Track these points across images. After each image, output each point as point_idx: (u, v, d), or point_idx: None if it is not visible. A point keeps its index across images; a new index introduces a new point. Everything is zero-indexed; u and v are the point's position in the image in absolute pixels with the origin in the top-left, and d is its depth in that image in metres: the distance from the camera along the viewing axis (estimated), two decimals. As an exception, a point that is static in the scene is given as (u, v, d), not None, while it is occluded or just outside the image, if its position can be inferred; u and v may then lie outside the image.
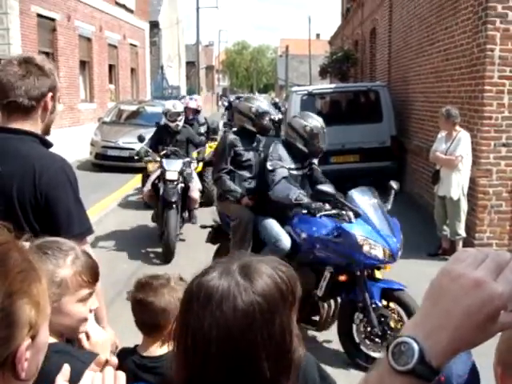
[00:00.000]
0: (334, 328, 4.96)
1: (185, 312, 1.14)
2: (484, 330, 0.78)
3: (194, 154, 8.56)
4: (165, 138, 8.34)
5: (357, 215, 4.59)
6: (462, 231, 7.24)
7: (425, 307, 0.82)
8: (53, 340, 1.53)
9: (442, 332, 0.79)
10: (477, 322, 0.77)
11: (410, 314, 4.35)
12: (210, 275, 1.12)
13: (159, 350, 2.27)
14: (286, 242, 4.96)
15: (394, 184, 5.03)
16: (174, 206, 7.57)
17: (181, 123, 8.40)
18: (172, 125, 8.31)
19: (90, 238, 2.45)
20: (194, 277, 1.17)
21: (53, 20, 16.35)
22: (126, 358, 2.25)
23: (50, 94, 2.36)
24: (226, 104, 27.94)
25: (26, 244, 1.06)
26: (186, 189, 7.98)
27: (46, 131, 2.45)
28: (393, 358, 0.80)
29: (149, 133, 15.71)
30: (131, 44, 24.48)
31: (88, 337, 1.90)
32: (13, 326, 0.88)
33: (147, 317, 2.24)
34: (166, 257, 7.42)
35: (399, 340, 0.80)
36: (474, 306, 0.77)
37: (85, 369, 1.16)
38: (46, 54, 15.58)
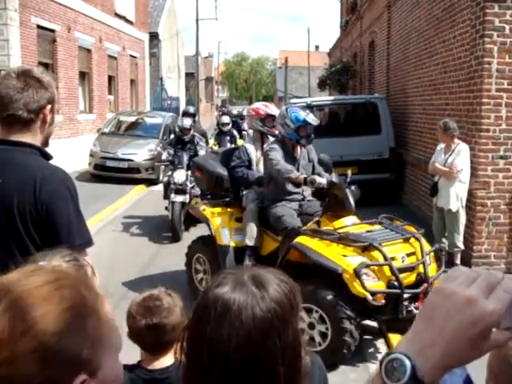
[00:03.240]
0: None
1: (199, 324, 1.13)
2: (476, 346, 0.79)
3: None
4: None
5: None
6: (460, 243, 7.24)
7: (418, 324, 0.83)
8: None
9: (434, 348, 0.79)
10: (468, 338, 0.78)
11: None
12: (223, 287, 1.13)
13: (165, 361, 2.28)
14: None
15: None
16: None
17: None
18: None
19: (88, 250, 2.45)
20: (206, 288, 1.18)
21: (53, 31, 16.41)
22: (131, 375, 2.23)
23: (49, 107, 2.37)
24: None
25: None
26: None
27: (45, 143, 2.46)
28: (386, 374, 0.81)
29: (149, 144, 15.67)
30: (131, 55, 24.55)
31: None
32: (58, 364, 0.85)
33: (165, 337, 2.23)
34: None
35: (392, 356, 0.81)
36: (466, 322, 0.78)
37: None
38: (46, 64, 15.65)
